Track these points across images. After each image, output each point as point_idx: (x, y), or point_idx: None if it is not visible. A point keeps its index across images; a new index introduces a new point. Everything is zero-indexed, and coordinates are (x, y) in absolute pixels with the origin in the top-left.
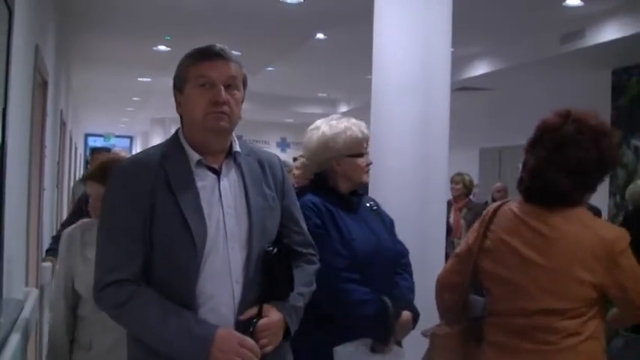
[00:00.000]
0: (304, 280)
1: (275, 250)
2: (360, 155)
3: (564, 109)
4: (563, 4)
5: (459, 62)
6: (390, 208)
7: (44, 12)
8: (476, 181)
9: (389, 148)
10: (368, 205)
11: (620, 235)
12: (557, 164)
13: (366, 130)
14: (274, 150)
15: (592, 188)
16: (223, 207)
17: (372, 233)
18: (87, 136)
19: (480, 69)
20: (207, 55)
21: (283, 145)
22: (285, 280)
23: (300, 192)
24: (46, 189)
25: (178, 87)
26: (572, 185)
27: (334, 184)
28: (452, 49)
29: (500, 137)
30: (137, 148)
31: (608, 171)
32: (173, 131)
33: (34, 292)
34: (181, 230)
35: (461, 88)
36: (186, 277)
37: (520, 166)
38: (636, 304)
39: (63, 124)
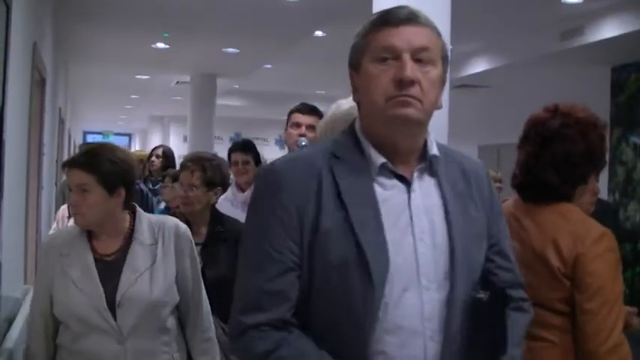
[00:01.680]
0: (517, 338)
1: (487, 296)
2: None
3: (552, 104)
4: (563, 1)
5: (457, 59)
6: None
7: (42, 9)
8: None
9: None
10: None
11: (598, 236)
12: (546, 159)
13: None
14: (273, 148)
15: (582, 181)
16: (415, 231)
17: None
18: (85, 133)
19: (478, 66)
20: (391, 19)
21: (282, 143)
22: (497, 338)
23: None
24: (45, 187)
25: (354, 64)
26: (561, 179)
27: None
28: (450, 47)
29: (498, 134)
30: (136, 146)
31: (597, 163)
32: (172, 129)
33: (32, 290)
34: (354, 260)
35: (459, 86)
36: (357, 327)
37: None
38: (583, 307)
39: (61, 122)
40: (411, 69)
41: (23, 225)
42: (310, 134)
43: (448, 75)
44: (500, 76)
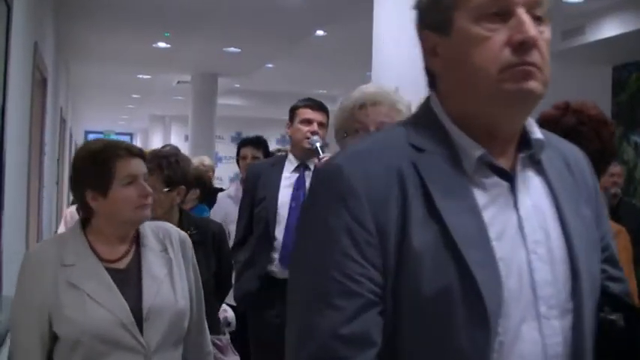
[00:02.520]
0: None
1: (620, 318)
2: (351, 134)
3: (562, 102)
4: (564, 0)
5: None
6: None
7: (43, 9)
8: None
9: None
10: None
11: (613, 234)
12: None
13: (366, 96)
14: (274, 147)
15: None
16: (527, 243)
17: None
18: (87, 133)
19: None
20: None
21: (283, 142)
22: None
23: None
24: (46, 186)
25: (438, 24)
26: None
27: None
28: None
29: None
30: (137, 145)
31: (608, 160)
32: (173, 129)
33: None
34: (458, 288)
35: None
36: None
37: None
38: None
39: (63, 121)
40: (531, 27)
41: (24, 224)
42: (322, 132)
43: None
44: None
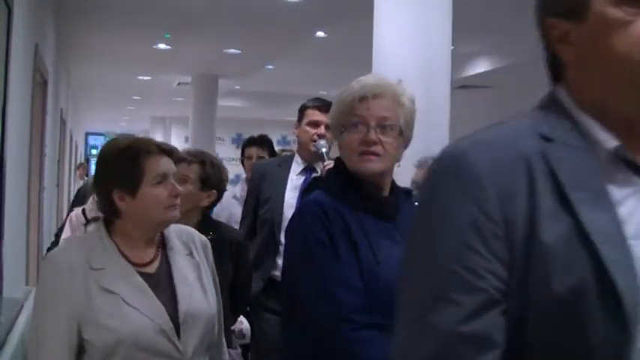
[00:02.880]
0: None
1: None
2: (349, 128)
3: None
4: None
5: (459, 60)
6: None
7: (44, 10)
8: None
9: None
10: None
11: None
12: None
13: (368, 87)
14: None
15: None
16: None
17: None
18: (87, 134)
19: (480, 67)
20: None
21: (284, 143)
22: None
23: (311, 186)
24: (46, 188)
25: (569, 10)
26: None
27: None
28: (452, 47)
29: None
30: None
31: None
32: (173, 130)
33: (34, 292)
34: (592, 287)
35: (461, 86)
36: None
37: None
38: None
39: (63, 123)
40: None
41: (25, 226)
42: (330, 135)
43: (450, 75)
44: (502, 77)
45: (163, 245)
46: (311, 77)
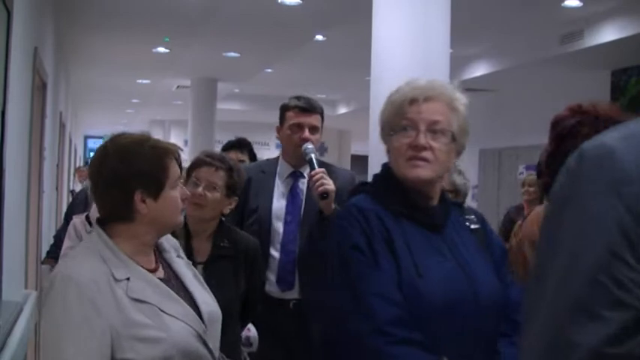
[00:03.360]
0: None
1: None
2: (398, 132)
3: (576, 103)
4: (562, 4)
5: (458, 63)
6: None
7: (43, 14)
8: (475, 182)
9: None
10: (466, 222)
11: None
12: (559, 158)
13: (419, 89)
14: (274, 152)
15: None
16: None
17: (461, 268)
18: (86, 137)
19: (479, 70)
20: None
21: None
22: None
23: (357, 190)
24: (46, 191)
25: None
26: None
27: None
28: (451, 50)
29: (499, 138)
30: None
31: None
32: (173, 134)
33: (33, 295)
34: None
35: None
36: None
37: (520, 167)
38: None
39: (62, 126)
40: None
41: (24, 229)
42: (315, 137)
43: (448, 78)
44: (501, 80)
45: (157, 248)
46: (310, 80)
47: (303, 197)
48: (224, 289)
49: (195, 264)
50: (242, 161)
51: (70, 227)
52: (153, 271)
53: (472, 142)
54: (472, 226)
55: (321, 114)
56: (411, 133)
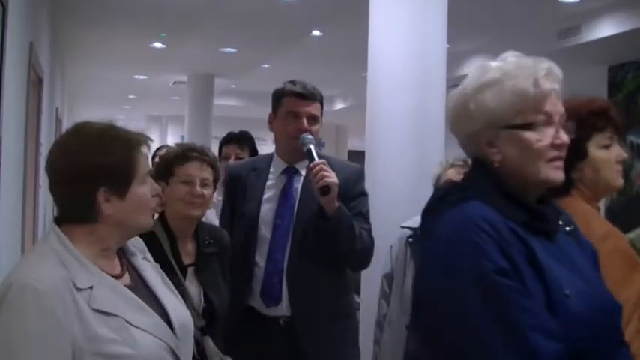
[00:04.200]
0: None
1: None
2: (532, 127)
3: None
4: (559, 0)
5: (454, 59)
6: (385, 206)
7: (39, 9)
8: None
9: (385, 146)
10: (560, 224)
11: (600, 236)
12: None
13: (553, 74)
14: (271, 147)
15: (576, 160)
16: None
17: (583, 280)
18: None
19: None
20: None
21: None
22: None
23: (450, 193)
24: (42, 186)
25: None
26: None
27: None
28: (448, 46)
29: None
30: None
31: (588, 126)
32: (169, 129)
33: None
34: None
35: (457, 85)
36: None
37: None
38: None
39: (58, 122)
40: None
41: (20, 225)
42: (314, 128)
43: (445, 74)
44: None
45: (121, 250)
46: (307, 76)
47: (297, 197)
48: (219, 290)
49: (183, 267)
50: (240, 158)
51: None
52: (118, 276)
53: None
54: (567, 228)
55: (321, 101)
56: (549, 129)
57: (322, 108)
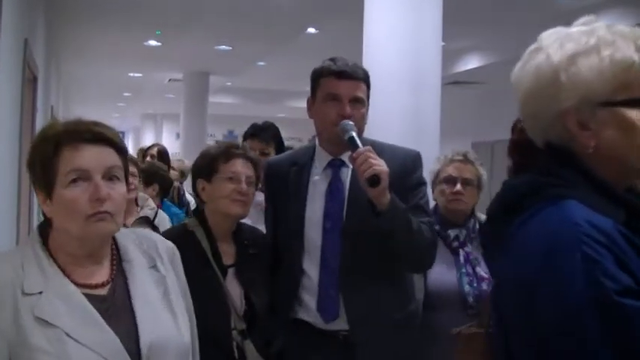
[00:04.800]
0: None
1: None
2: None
3: None
4: None
5: (450, 56)
6: None
7: (34, 6)
8: None
9: None
10: None
11: None
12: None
13: None
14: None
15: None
16: None
17: None
18: None
19: (471, 63)
20: None
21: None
22: None
23: (539, 187)
24: None
25: None
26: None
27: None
28: (443, 43)
29: (492, 131)
30: (129, 144)
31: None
32: (165, 127)
33: None
34: None
35: (452, 82)
36: None
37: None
38: None
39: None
40: None
41: (15, 224)
42: (358, 112)
43: (440, 71)
44: (494, 73)
45: (119, 258)
46: (302, 73)
47: (346, 193)
48: (260, 292)
49: (224, 268)
50: (266, 154)
51: None
52: (92, 286)
53: (465, 135)
54: None
55: (366, 81)
56: None
57: (369, 89)
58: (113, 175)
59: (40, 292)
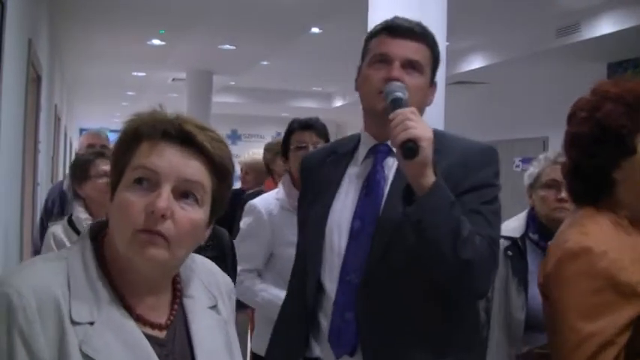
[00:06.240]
0: None
1: None
2: None
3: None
4: None
5: (453, 56)
6: None
7: (37, 6)
8: None
9: None
10: None
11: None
12: (566, 153)
13: None
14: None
15: (609, 168)
16: None
17: None
18: (81, 130)
19: (474, 63)
20: None
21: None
22: None
23: None
24: (40, 184)
25: None
26: (566, 174)
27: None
28: (447, 43)
29: (496, 131)
30: None
31: (612, 144)
32: None
33: None
34: None
35: (456, 82)
36: None
37: (516, 159)
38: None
39: (57, 119)
40: None
41: (19, 222)
42: (415, 80)
43: (444, 71)
44: (497, 73)
45: (180, 292)
46: (306, 73)
47: (387, 189)
48: None
49: None
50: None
51: (49, 238)
52: (151, 324)
53: (467, 135)
54: None
55: (430, 44)
56: None
57: (434, 54)
58: (190, 191)
59: (92, 322)
